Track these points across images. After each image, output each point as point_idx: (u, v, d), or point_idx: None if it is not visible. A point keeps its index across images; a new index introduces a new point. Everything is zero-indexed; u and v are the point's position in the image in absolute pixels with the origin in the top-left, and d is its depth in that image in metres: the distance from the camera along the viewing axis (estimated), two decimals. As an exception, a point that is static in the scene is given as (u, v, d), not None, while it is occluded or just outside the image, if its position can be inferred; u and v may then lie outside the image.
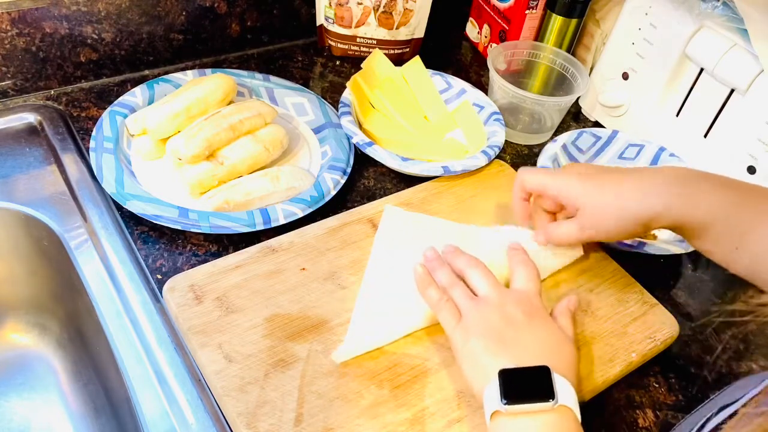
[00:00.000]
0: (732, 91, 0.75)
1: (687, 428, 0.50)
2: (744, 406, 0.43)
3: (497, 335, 0.51)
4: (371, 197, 0.74)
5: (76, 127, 0.76)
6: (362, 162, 0.79)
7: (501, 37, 0.98)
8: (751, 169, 0.74)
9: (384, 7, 0.90)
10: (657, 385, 0.62)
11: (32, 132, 0.75)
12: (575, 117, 0.94)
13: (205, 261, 0.63)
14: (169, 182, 0.70)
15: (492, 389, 0.48)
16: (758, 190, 0.56)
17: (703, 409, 0.51)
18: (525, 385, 0.48)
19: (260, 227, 0.65)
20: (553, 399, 0.46)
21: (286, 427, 0.50)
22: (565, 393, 0.48)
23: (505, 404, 0.47)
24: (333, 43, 0.95)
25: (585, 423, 0.56)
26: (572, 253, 0.67)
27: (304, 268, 0.62)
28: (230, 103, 0.76)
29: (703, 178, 0.56)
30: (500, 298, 0.54)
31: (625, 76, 0.86)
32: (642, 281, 0.68)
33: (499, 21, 0.98)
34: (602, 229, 0.59)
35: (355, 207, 0.71)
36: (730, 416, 0.45)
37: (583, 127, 0.92)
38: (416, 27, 0.94)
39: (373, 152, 0.74)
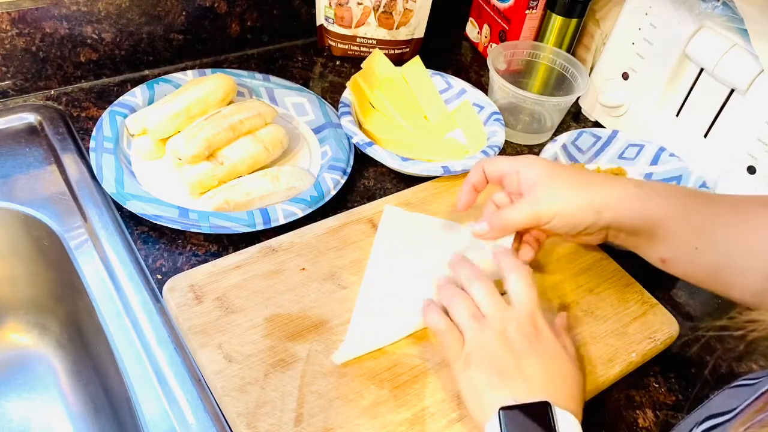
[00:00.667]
0: (732, 91, 0.75)
1: (686, 429, 0.50)
2: (737, 415, 0.42)
3: (498, 367, 0.50)
4: (371, 197, 0.75)
5: (76, 127, 0.76)
6: (362, 162, 0.79)
7: (501, 37, 0.98)
8: (751, 169, 0.74)
9: (384, 7, 0.90)
10: (657, 385, 0.62)
11: (32, 132, 0.75)
12: (575, 117, 0.94)
13: (205, 261, 0.63)
14: (169, 182, 0.70)
15: (493, 427, 0.48)
16: (707, 194, 0.57)
17: (695, 414, 0.51)
18: (526, 422, 0.47)
19: (260, 227, 0.65)
20: None
21: (286, 427, 0.50)
22: (568, 428, 0.47)
23: None
24: (333, 43, 0.95)
25: (585, 423, 0.56)
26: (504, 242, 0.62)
27: (304, 268, 0.62)
28: (230, 103, 0.76)
29: (657, 185, 0.58)
30: (502, 321, 0.52)
31: (625, 76, 0.86)
32: (642, 281, 0.68)
33: (499, 21, 0.98)
34: (555, 206, 0.56)
35: (355, 207, 0.71)
36: (714, 426, 0.44)
37: (583, 127, 0.92)
38: (416, 27, 0.94)
39: (373, 152, 0.74)
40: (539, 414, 0.47)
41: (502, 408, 0.47)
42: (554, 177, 0.57)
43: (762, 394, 0.41)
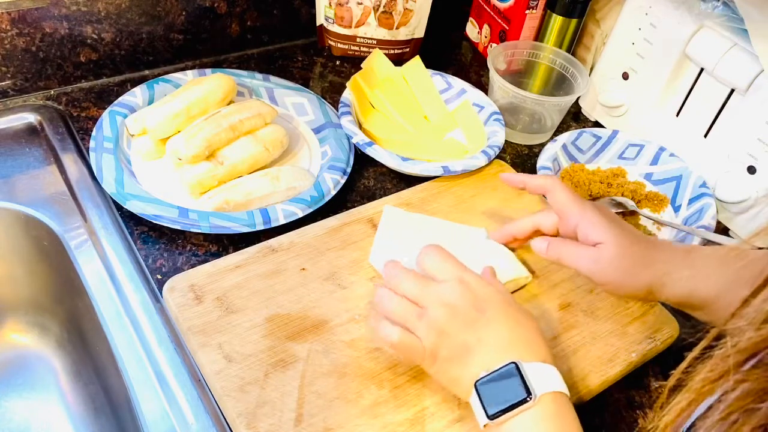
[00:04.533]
0: (732, 91, 0.75)
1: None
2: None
3: (459, 346, 0.50)
4: (371, 197, 0.74)
5: (76, 127, 0.76)
6: (362, 162, 0.79)
7: (501, 37, 0.98)
8: (751, 169, 0.74)
9: (384, 7, 0.90)
10: (657, 385, 0.62)
11: (32, 132, 0.75)
12: (575, 117, 0.94)
13: (205, 261, 0.63)
14: (169, 182, 0.70)
15: (475, 403, 0.49)
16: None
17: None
18: (502, 389, 0.47)
19: (260, 227, 0.65)
20: (530, 396, 0.47)
21: (286, 427, 0.50)
22: (543, 378, 0.48)
23: (490, 419, 0.47)
24: (333, 43, 0.95)
25: (585, 423, 0.56)
26: (516, 271, 0.64)
27: (304, 268, 0.62)
28: (230, 103, 0.76)
29: (709, 258, 0.57)
30: (441, 300, 0.51)
31: (625, 76, 0.86)
32: (642, 281, 0.68)
33: (499, 21, 0.98)
34: (612, 278, 0.57)
35: (355, 207, 0.71)
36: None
37: (583, 127, 0.92)
38: (416, 27, 0.94)
39: (373, 152, 0.74)
40: (512, 376, 0.47)
41: (478, 383, 0.48)
42: (622, 255, 0.56)
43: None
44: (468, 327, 0.50)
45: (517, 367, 0.48)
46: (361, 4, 0.90)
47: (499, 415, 0.47)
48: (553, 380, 0.48)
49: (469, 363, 0.50)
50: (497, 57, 0.87)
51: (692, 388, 0.36)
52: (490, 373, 0.48)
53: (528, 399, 0.46)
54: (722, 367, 0.34)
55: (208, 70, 0.82)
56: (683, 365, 0.38)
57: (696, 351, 0.37)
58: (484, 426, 0.48)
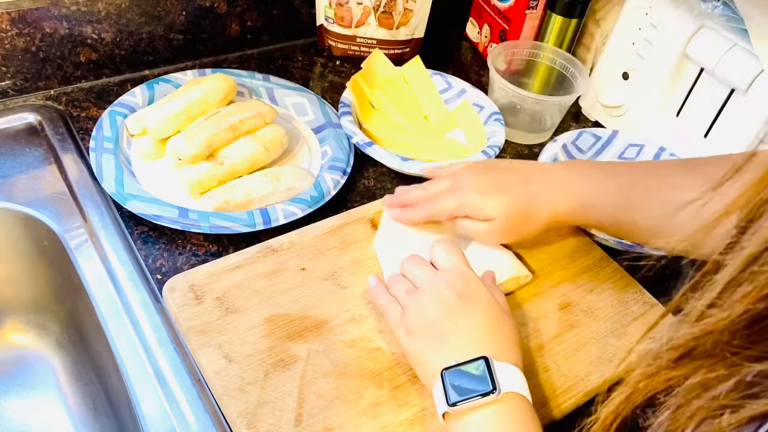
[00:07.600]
0: (732, 90, 0.75)
1: None
2: None
3: (436, 329, 0.52)
4: (371, 197, 0.75)
5: (76, 127, 0.76)
6: (362, 162, 0.79)
7: (501, 37, 0.98)
8: (751, 169, 0.74)
9: (384, 7, 0.90)
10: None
11: (32, 132, 0.75)
12: (575, 117, 0.94)
13: (205, 261, 0.63)
14: (169, 182, 0.70)
15: (438, 390, 0.49)
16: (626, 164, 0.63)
17: None
18: (468, 380, 0.48)
19: (260, 227, 0.65)
20: (495, 390, 0.47)
21: (286, 427, 0.50)
22: (509, 378, 0.48)
23: (451, 406, 0.47)
24: (333, 43, 0.95)
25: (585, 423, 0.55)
26: (516, 270, 0.64)
27: (304, 268, 0.62)
28: (230, 103, 0.76)
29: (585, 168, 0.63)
30: (433, 285, 0.54)
31: (625, 76, 0.86)
32: (642, 281, 0.68)
33: (499, 21, 0.98)
34: (514, 235, 0.63)
35: (355, 207, 0.71)
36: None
37: (583, 127, 0.92)
38: (416, 27, 0.94)
39: (373, 152, 0.74)
40: (480, 370, 0.48)
41: (444, 370, 0.49)
42: (511, 220, 0.61)
43: None
44: (448, 313, 0.52)
45: (487, 362, 0.48)
46: (361, 4, 0.90)
47: (461, 403, 0.47)
48: (520, 383, 0.49)
49: (440, 348, 0.51)
50: (497, 57, 0.87)
51: (629, 382, 0.37)
52: (459, 363, 0.49)
53: (492, 392, 0.47)
54: (657, 364, 0.35)
55: (208, 70, 0.82)
56: (625, 356, 0.39)
57: (638, 342, 0.38)
58: (443, 415, 0.48)
